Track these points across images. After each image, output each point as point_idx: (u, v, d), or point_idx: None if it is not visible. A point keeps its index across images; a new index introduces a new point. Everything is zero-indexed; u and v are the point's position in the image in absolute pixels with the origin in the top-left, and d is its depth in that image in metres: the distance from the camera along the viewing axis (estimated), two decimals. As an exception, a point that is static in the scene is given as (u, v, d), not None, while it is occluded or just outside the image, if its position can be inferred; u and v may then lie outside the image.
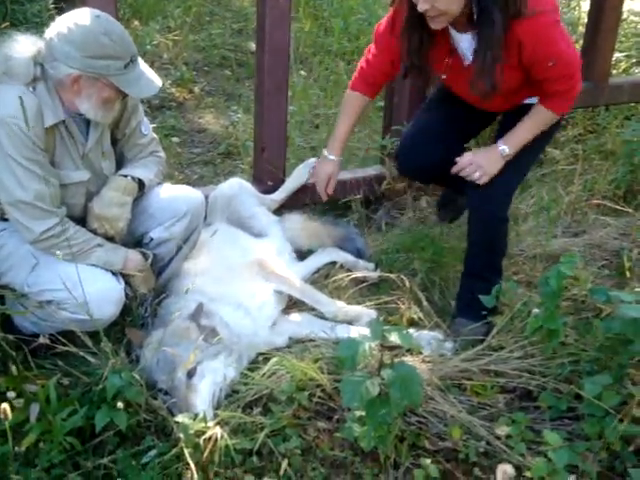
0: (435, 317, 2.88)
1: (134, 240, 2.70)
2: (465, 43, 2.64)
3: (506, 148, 2.71)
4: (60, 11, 4.40)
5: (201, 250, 2.91)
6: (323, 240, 3.33)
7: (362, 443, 2.14)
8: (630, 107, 4.53)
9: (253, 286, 2.85)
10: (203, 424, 2.13)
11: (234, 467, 2.16)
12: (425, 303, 2.91)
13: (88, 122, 2.49)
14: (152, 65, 4.92)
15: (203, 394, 2.34)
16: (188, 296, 2.60)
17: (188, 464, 2.05)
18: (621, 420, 2.17)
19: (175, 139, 4.47)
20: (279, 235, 3.25)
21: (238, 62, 5.56)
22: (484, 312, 2.69)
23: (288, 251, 3.23)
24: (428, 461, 2.20)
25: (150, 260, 2.65)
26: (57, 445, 2.11)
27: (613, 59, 4.31)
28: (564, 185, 3.78)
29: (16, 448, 2.06)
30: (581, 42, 4.12)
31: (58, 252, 2.33)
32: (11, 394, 2.11)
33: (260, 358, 2.65)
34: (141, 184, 2.64)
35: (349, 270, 3.17)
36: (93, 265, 2.46)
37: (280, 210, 3.41)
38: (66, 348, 2.32)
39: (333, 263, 3.26)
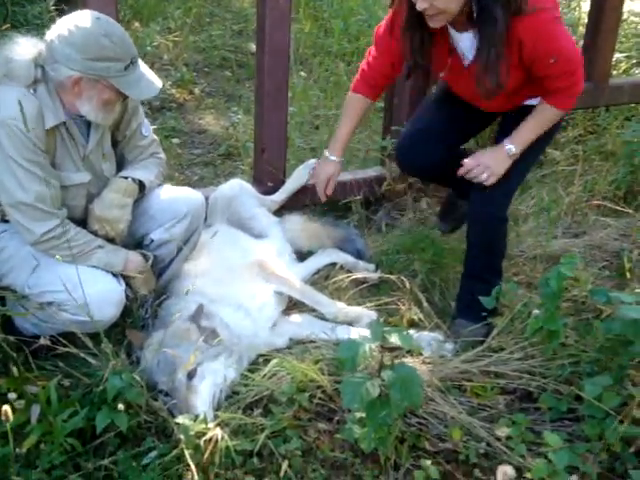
0: (435, 318, 2.88)
1: (135, 241, 2.70)
2: (466, 42, 2.64)
3: (512, 147, 2.70)
4: (61, 13, 4.41)
5: (201, 251, 2.91)
6: (323, 241, 3.33)
7: (362, 444, 2.14)
8: (630, 108, 4.54)
9: (253, 287, 2.86)
10: (203, 425, 2.13)
11: (234, 468, 2.16)
12: (425, 304, 2.91)
13: (89, 124, 2.50)
14: (152, 66, 4.92)
15: (203, 395, 2.34)
16: (188, 297, 2.61)
17: (189, 465, 2.05)
18: (621, 421, 2.17)
19: (175, 140, 4.48)
20: (279, 236, 3.25)
21: (238, 63, 5.56)
22: (484, 313, 2.69)
23: (288, 252, 3.24)
24: (428, 462, 2.20)
25: (151, 261, 2.65)
26: (58, 446, 2.11)
27: (613, 60, 4.31)
28: (564, 186, 3.78)
29: (17, 449, 2.06)
30: (581, 43, 4.12)
31: (58, 256, 2.34)
32: (12, 395, 2.12)
33: (260, 359, 2.65)
34: (142, 186, 2.64)
35: (349, 271, 3.17)
36: (94, 267, 2.47)
37: (280, 211, 3.41)
38: (67, 349, 2.32)
39: (333, 264, 3.26)
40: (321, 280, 3.18)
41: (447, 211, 3.34)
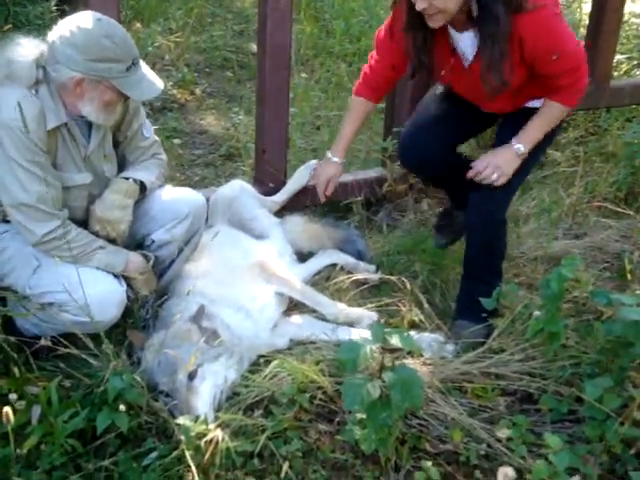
0: (436, 319, 2.88)
1: (136, 242, 2.71)
2: (466, 41, 2.63)
3: (521, 147, 2.70)
4: (62, 13, 4.43)
5: (202, 252, 2.91)
6: (324, 242, 3.33)
7: (363, 446, 2.14)
8: (631, 109, 4.54)
9: (254, 288, 2.86)
10: (204, 426, 2.13)
11: (235, 469, 2.16)
12: (426, 305, 2.92)
13: (90, 125, 2.50)
14: (153, 67, 4.92)
15: (204, 396, 2.34)
16: (189, 298, 2.61)
17: (189, 466, 2.05)
18: (622, 423, 2.16)
19: (176, 140, 4.48)
20: (280, 237, 3.25)
21: (239, 64, 5.56)
22: (484, 314, 2.69)
23: (289, 253, 3.24)
24: (429, 464, 2.19)
25: (152, 262, 2.65)
26: (58, 447, 2.11)
27: (614, 61, 4.31)
28: (565, 187, 3.78)
29: (18, 450, 2.06)
30: (582, 44, 4.12)
31: (57, 259, 2.34)
32: (13, 396, 2.12)
33: (261, 360, 2.65)
34: (143, 186, 2.64)
35: (350, 272, 3.17)
36: (95, 267, 2.46)
37: (281, 212, 3.41)
38: (67, 350, 2.32)
39: (334, 265, 3.26)
40: (322, 281, 3.18)
41: (444, 223, 3.25)
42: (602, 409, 2.18)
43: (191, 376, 2.34)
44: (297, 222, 3.35)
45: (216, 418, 2.26)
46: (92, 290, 2.34)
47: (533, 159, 2.86)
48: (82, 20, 2.31)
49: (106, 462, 2.15)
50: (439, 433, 2.33)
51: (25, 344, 2.38)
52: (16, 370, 2.23)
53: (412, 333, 2.65)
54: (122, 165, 2.71)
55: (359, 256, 3.30)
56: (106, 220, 2.54)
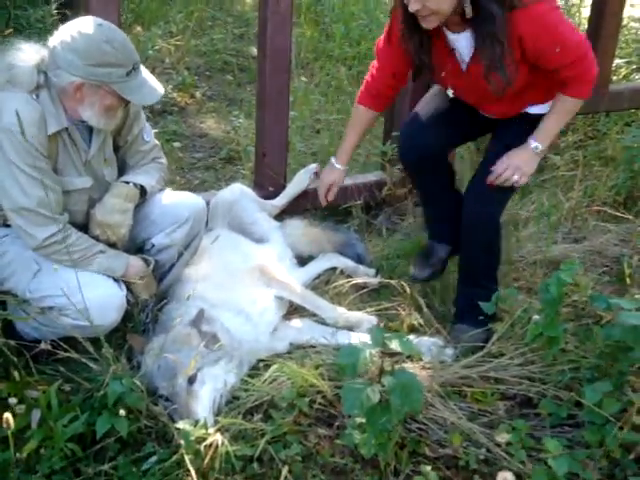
0: (435, 323, 2.88)
1: (136, 246, 2.71)
2: (462, 42, 2.63)
3: (539, 145, 2.70)
4: (63, 17, 4.44)
5: (202, 256, 2.91)
6: (324, 246, 3.34)
7: (362, 450, 2.14)
8: (630, 113, 4.56)
9: (254, 292, 2.86)
10: (204, 430, 2.13)
11: (234, 474, 2.16)
12: (425, 309, 2.92)
13: (91, 129, 2.50)
14: (154, 70, 4.94)
15: (204, 400, 2.34)
16: (189, 302, 2.60)
17: (189, 471, 2.05)
18: (621, 428, 2.17)
19: (177, 144, 4.49)
20: (280, 241, 3.25)
21: (240, 67, 5.58)
22: (481, 317, 2.69)
23: (289, 257, 3.24)
24: (428, 468, 2.20)
25: (152, 266, 2.66)
26: (58, 451, 2.11)
27: (613, 65, 4.33)
28: (564, 191, 3.78)
29: (17, 454, 2.06)
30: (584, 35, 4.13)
31: (55, 266, 2.34)
32: (13, 400, 2.11)
33: (261, 364, 2.65)
34: (143, 191, 2.65)
35: (349, 276, 3.18)
36: (95, 271, 2.47)
37: (281, 216, 3.42)
38: (67, 354, 2.32)
39: (334, 269, 3.26)
40: (321, 285, 3.19)
41: (423, 258, 3.12)
42: (601, 414, 2.18)
43: (191, 380, 2.34)
44: (297, 226, 3.36)
45: (216, 422, 2.26)
46: (92, 294, 2.34)
47: None
48: (83, 25, 2.32)
49: (106, 466, 2.14)
50: (438, 437, 2.33)
51: (25, 348, 2.38)
52: (16, 374, 2.23)
53: (411, 337, 2.65)
54: (122, 169, 2.71)
55: (359, 260, 3.31)
56: (106, 224, 2.55)
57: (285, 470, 2.17)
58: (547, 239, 3.40)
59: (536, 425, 2.41)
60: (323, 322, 2.89)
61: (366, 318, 2.90)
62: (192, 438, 2.09)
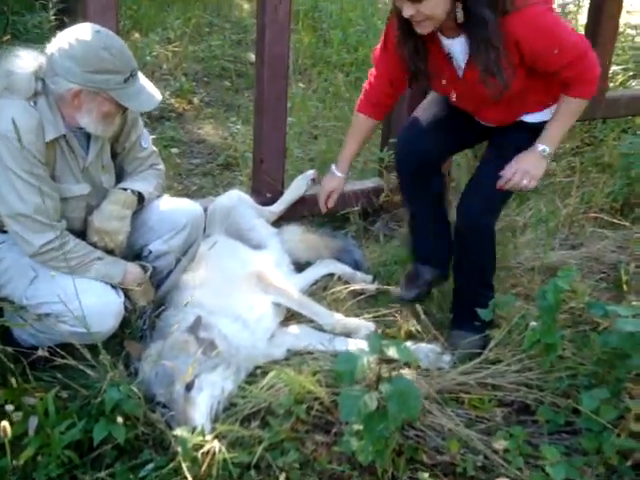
0: (433, 330, 2.87)
1: (133, 253, 2.71)
2: (457, 47, 2.63)
3: (546, 148, 2.69)
4: (61, 23, 4.45)
5: (200, 262, 2.91)
6: (321, 252, 3.34)
7: (360, 457, 2.13)
8: (627, 120, 4.57)
9: (252, 298, 2.86)
10: (201, 437, 2.13)
11: (232, 481, 2.16)
12: (423, 316, 2.89)
13: (88, 136, 2.51)
14: (152, 76, 4.95)
15: (201, 407, 2.33)
16: (187, 309, 2.60)
17: (186, 478, 2.04)
18: (619, 435, 2.17)
19: (174, 150, 4.49)
20: (277, 247, 3.26)
21: (237, 73, 5.59)
22: (479, 323, 2.70)
23: (286, 263, 3.24)
24: (426, 475, 2.19)
25: (149, 273, 2.65)
26: (55, 459, 2.11)
27: (610, 72, 4.34)
28: (561, 197, 3.79)
29: (14, 462, 2.06)
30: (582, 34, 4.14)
31: (53, 273, 2.35)
32: (10, 407, 2.12)
33: (258, 371, 2.64)
34: (141, 197, 2.65)
35: (347, 282, 3.18)
36: (92, 278, 2.47)
37: (278, 222, 3.42)
38: (65, 361, 2.31)
39: (331, 275, 3.27)
40: (319, 291, 3.19)
41: (409, 279, 3.11)
42: (599, 421, 2.19)
43: (188, 387, 2.34)
44: (294, 232, 3.36)
45: (213, 429, 2.26)
46: (89, 301, 2.34)
47: None
48: (81, 32, 2.32)
49: (103, 474, 2.14)
50: (436, 444, 2.33)
51: (22, 355, 2.38)
52: (13, 381, 2.23)
53: (409, 343, 2.64)
54: (120, 176, 2.71)
55: (356, 266, 3.31)
56: (104, 231, 2.55)
57: (282, 477, 2.17)
58: (544, 245, 3.40)
59: (533, 432, 2.41)
60: (320, 328, 2.89)
61: (363, 324, 2.90)
62: (189, 445, 2.09)
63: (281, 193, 3.47)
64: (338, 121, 4.65)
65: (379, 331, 2.82)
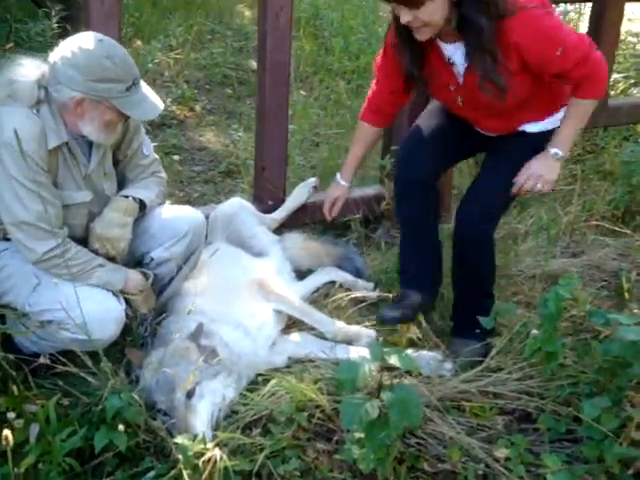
0: (434, 337, 2.88)
1: (135, 260, 2.71)
2: (457, 52, 2.62)
3: (558, 151, 2.68)
4: (63, 31, 4.47)
5: (201, 270, 2.92)
6: (322, 259, 3.34)
7: (361, 465, 2.13)
8: (628, 128, 4.58)
9: (253, 306, 2.86)
10: (202, 445, 2.12)
11: (233, 489, 2.16)
12: (424, 323, 2.91)
13: (90, 143, 2.51)
14: (153, 83, 4.97)
15: (202, 415, 2.33)
16: (188, 316, 2.60)
17: (187, 486, 2.05)
18: (620, 443, 2.16)
19: (176, 157, 4.50)
20: (279, 254, 3.26)
21: (239, 80, 5.60)
22: (479, 331, 2.69)
23: (287, 270, 3.24)
24: (427, 483, 2.20)
25: (151, 280, 2.66)
26: (56, 466, 2.11)
27: (611, 80, 4.35)
28: (563, 205, 3.80)
29: (15, 469, 2.04)
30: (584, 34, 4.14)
31: (55, 280, 2.35)
32: (11, 414, 2.11)
33: (259, 379, 2.64)
34: (142, 205, 2.66)
35: (348, 289, 3.18)
36: (94, 285, 2.47)
37: (280, 229, 3.42)
38: (66, 368, 2.31)
39: (332, 282, 3.26)
40: (320, 298, 3.18)
41: (395, 300, 3.02)
42: (600, 429, 2.18)
43: (189, 394, 2.34)
44: (296, 239, 3.37)
45: (214, 437, 2.25)
46: (91, 308, 2.34)
47: None
48: (83, 41, 2.34)
49: (104, 481, 2.15)
50: (437, 452, 2.32)
51: (24, 362, 2.38)
52: (14, 388, 2.23)
53: (410, 351, 2.65)
54: (122, 183, 2.72)
55: (357, 273, 3.31)
56: (106, 238, 2.55)
57: (283, 485, 2.17)
58: (546, 253, 3.40)
59: (535, 440, 2.41)
60: (322, 336, 2.89)
61: (365, 332, 2.90)
62: (190, 453, 2.08)
63: (282, 200, 3.48)
64: (339, 128, 4.66)
65: (380, 339, 2.82)
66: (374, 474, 2.19)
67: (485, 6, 2.43)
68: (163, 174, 2.84)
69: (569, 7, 5.81)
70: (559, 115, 2.77)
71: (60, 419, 2.21)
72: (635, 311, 2.69)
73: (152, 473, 2.17)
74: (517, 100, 2.63)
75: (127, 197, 2.63)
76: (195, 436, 2.16)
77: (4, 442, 1.88)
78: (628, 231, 3.61)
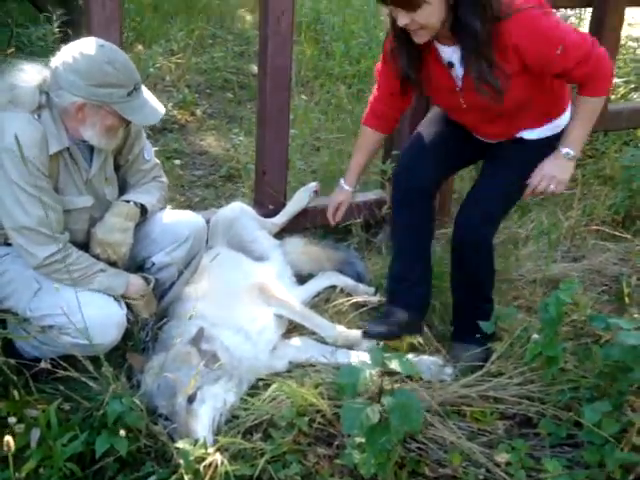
0: (435, 342, 2.89)
1: (136, 265, 2.72)
2: (456, 54, 2.62)
3: (570, 151, 2.67)
4: (65, 35, 4.49)
5: (202, 274, 2.92)
6: (323, 264, 3.34)
7: (362, 470, 2.13)
8: (628, 132, 4.58)
9: (254, 310, 2.86)
10: (203, 450, 2.13)
11: (234, 493, 2.16)
12: (425, 328, 2.92)
13: (92, 148, 2.52)
14: (155, 88, 4.98)
15: (203, 419, 2.33)
16: (189, 320, 2.61)
17: (188, 490, 2.05)
18: (622, 448, 2.16)
19: (177, 161, 4.51)
20: (280, 259, 3.26)
21: (240, 85, 5.61)
22: (478, 335, 2.69)
23: (288, 275, 3.24)
24: (428, 488, 2.20)
25: (152, 285, 2.66)
26: (57, 471, 2.10)
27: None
28: (563, 210, 3.79)
29: (16, 474, 2.05)
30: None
31: (56, 285, 2.36)
32: (12, 419, 2.11)
33: (260, 383, 2.64)
34: (143, 209, 2.66)
35: (349, 294, 3.18)
36: (95, 290, 2.47)
37: (281, 234, 3.42)
38: (67, 373, 2.32)
39: (333, 287, 3.27)
40: (321, 303, 3.18)
41: (380, 317, 2.98)
42: (601, 434, 2.18)
43: (190, 399, 2.34)
44: (297, 244, 3.37)
45: (215, 441, 2.25)
46: (92, 313, 2.34)
47: (521, 185, 2.86)
48: (85, 46, 2.34)
49: (105, 486, 2.15)
50: (438, 457, 2.33)
51: (25, 366, 2.38)
52: (15, 393, 2.23)
53: (411, 356, 2.66)
54: (123, 188, 2.72)
55: (358, 278, 3.31)
56: (107, 243, 2.56)
57: (285, 490, 2.17)
58: (546, 258, 3.40)
59: (535, 445, 2.41)
60: (322, 341, 2.89)
61: (365, 337, 2.90)
62: (191, 458, 2.09)
63: (283, 205, 3.48)
64: (340, 133, 4.67)
65: (381, 343, 2.82)
66: (375, 479, 2.19)
67: (481, 9, 2.43)
68: (164, 179, 2.84)
69: (569, 12, 5.81)
70: (557, 122, 2.77)
71: (61, 424, 2.20)
72: (635, 316, 2.69)
73: (153, 478, 2.17)
74: (517, 102, 2.63)
75: (128, 202, 2.63)
76: (196, 441, 2.17)
77: (6, 448, 1.88)
78: (628, 236, 3.62)
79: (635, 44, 5.61)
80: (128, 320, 2.55)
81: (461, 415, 2.52)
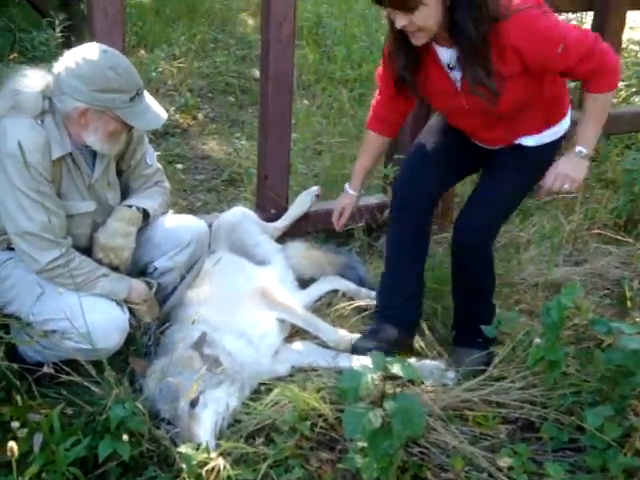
0: (437, 346, 2.88)
1: (138, 269, 2.72)
2: (454, 56, 2.61)
3: (582, 149, 2.65)
4: (67, 40, 4.50)
5: (204, 278, 2.92)
6: (325, 268, 3.34)
7: (364, 474, 2.12)
8: (630, 136, 4.57)
9: (256, 314, 2.86)
10: (205, 454, 2.13)
11: (236, 498, 2.16)
12: (427, 332, 2.92)
13: (94, 153, 2.53)
14: (157, 92, 4.99)
15: (206, 424, 2.33)
16: (191, 325, 2.61)
17: (190, 495, 2.05)
18: (625, 453, 2.16)
19: (179, 166, 4.51)
20: (281, 263, 3.26)
21: (242, 89, 5.62)
22: (480, 339, 2.70)
23: (290, 279, 3.25)
24: (430, 492, 2.20)
25: (154, 289, 2.67)
26: (60, 476, 2.11)
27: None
28: (565, 214, 3.79)
29: (19, 479, 2.05)
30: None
31: (60, 289, 2.36)
32: (15, 424, 2.11)
33: (262, 388, 2.64)
34: (146, 214, 2.67)
35: (351, 298, 3.18)
36: (98, 295, 2.48)
37: (282, 238, 3.43)
38: (70, 377, 2.32)
39: (335, 291, 3.27)
40: (323, 307, 3.19)
41: (371, 331, 2.92)
42: (603, 438, 2.18)
43: (193, 403, 2.34)
44: (298, 248, 3.37)
45: (217, 446, 2.26)
46: (95, 317, 2.35)
47: (523, 189, 2.86)
48: (87, 52, 2.35)
49: (107, 491, 2.15)
50: (440, 461, 2.32)
51: (27, 371, 2.39)
52: (18, 397, 2.24)
53: (413, 360, 2.66)
54: (125, 193, 2.73)
55: (360, 282, 3.31)
56: (109, 247, 2.56)
57: (287, 494, 2.17)
58: (548, 262, 3.40)
59: (538, 449, 2.41)
60: (325, 345, 2.89)
61: (368, 341, 2.90)
62: (194, 462, 2.09)
63: (285, 209, 3.48)
64: (342, 137, 4.67)
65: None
66: (377, 483, 2.19)
67: (478, 11, 2.43)
68: (166, 184, 2.85)
69: (570, 16, 5.82)
70: (556, 128, 2.78)
71: (64, 428, 2.21)
72: (638, 320, 2.71)
73: (155, 482, 2.17)
74: (517, 104, 2.63)
75: (131, 207, 2.64)
76: (199, 445, 2.17)
77: (9, 453, 1.88)
78: (630, 239, 3.62)
79: (637, 47, 5.62)
80: (130, 324, 2.56)
81: (463, 419, 2.52)
